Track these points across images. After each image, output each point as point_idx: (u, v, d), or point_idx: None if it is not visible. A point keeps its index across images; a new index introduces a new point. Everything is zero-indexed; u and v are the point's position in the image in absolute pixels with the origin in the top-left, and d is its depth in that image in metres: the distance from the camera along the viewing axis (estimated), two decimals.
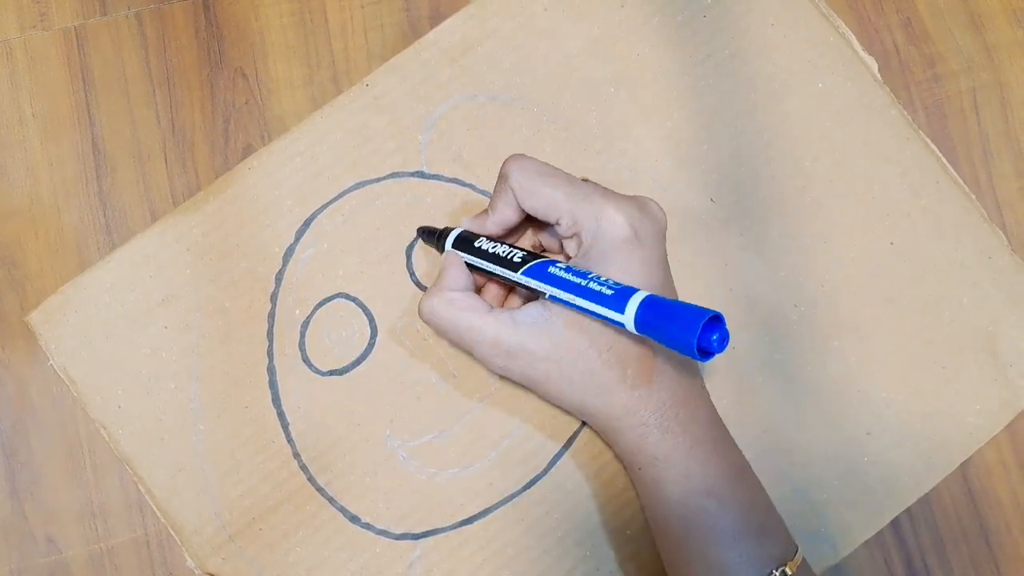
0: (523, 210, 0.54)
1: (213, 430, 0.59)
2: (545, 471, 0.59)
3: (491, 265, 0.54)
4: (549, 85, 0.63)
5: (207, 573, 0.58)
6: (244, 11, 0.65)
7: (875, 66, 0.63)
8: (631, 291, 0.48)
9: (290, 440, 0.59)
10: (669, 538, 0.53)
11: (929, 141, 0.62)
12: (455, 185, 0.62)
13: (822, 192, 0.62)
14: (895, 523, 0.60)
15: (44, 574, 0.59)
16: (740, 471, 0.54)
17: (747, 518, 0.52)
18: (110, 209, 0.62)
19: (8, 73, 0.64)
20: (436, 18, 0.64)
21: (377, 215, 0.61)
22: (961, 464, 0.60)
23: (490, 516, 0.59)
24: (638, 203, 0.53)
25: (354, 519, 0.59)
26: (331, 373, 0.60)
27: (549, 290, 0.51)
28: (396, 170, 0.62)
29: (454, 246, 0.56)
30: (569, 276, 0.51)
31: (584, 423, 0.59)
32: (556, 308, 0.52)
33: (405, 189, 0.62)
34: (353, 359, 0.60)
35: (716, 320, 0.46)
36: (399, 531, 0.58)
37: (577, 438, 0.60)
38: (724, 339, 0.47)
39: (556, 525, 0.59)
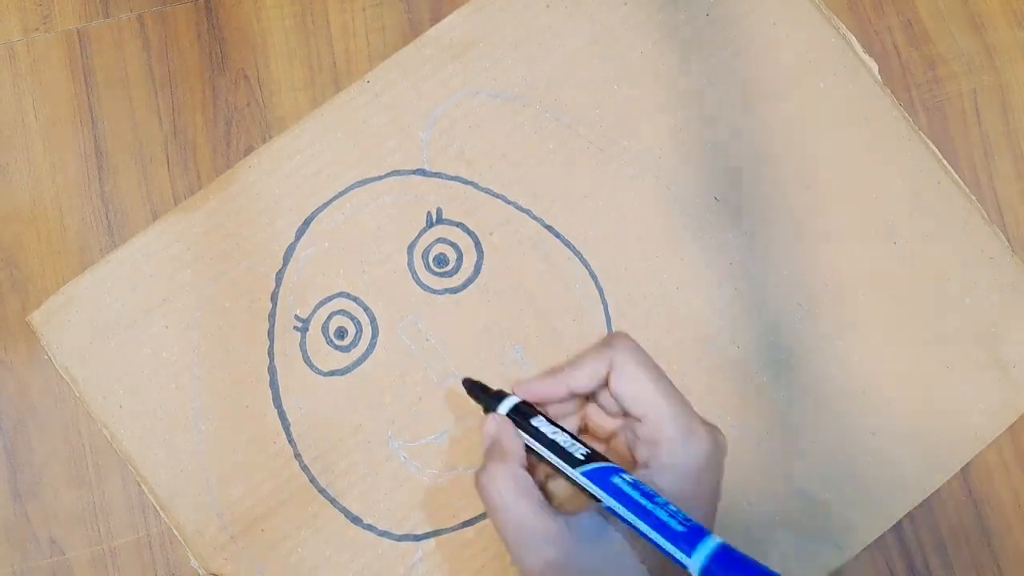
0: (603, 387, 0.51)
1: (214, 430, 0.59)
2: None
3: (544, 450, 0.50)
4: (551, 82, 0.63)
5: (212, 574, 0.58)
6: (246, 13, 0.65)
7: (875, 67, 0.63)
8: (702, 533, 0.45)
9: (291, 441, 0.59)
10: None
11: (930, 142, 0.62)
12: (457, 183, 0.62)
13: (824, 192, 0.62)
14: (896, 524, 0.59)
15: (47, 575, 0.59)
16: None
17: None
18: (112, 211, 0.63)
19: (11, 75, 0.64)
20: (437, 20, 0.64)
21: (378, 213, 0.61)
22: (961, 466, 0.60)
23: None
24: (719, 434, 0.50)
25: (356, 520, 0.59)
26: (332, 373, 0.60)
27: (607, 500, 0.47)
28: (397, 168, 0.62)
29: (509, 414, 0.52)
30: (636, 495, 0.46)
31: None
32: (611, 522, 0.48)
33: (406, 187, 0.62)
34: (355, 359, 0.60)
35: None
36: (401, 532, 0.58)
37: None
38: None
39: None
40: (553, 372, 0.52)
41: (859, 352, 0.61)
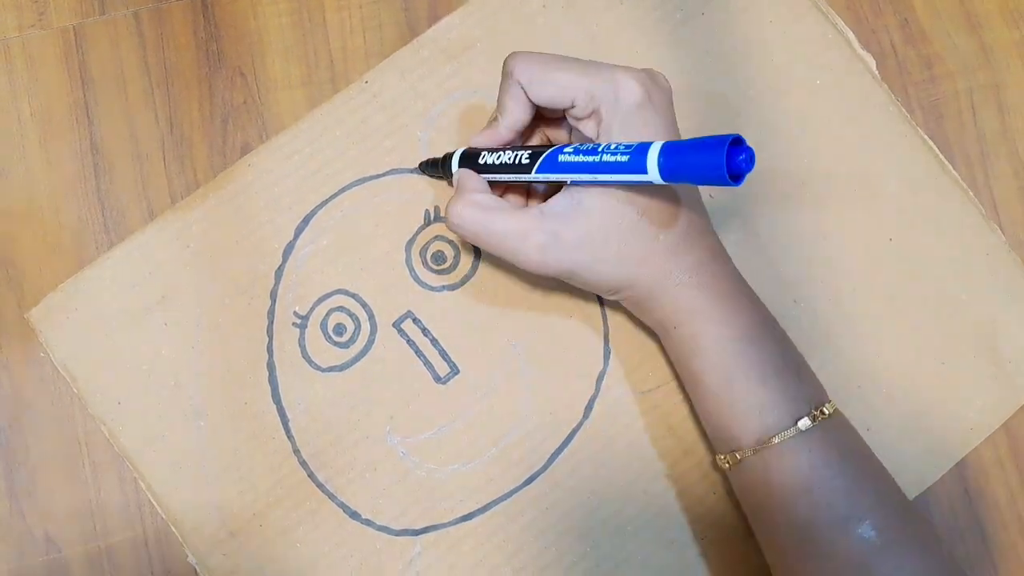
0: (533, 105, 0.54)
1: (213, 426, 0.59)
2: (545, 467, 0.59)
3: (503, 175, 0.54)
4: None
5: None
6: (243, 11, 0.65)
7: (873, 63, 0.63)
8: (645, 146, 0.48)
9: (290, 436, 0.59)
10: (708, 388, 0.54)
11: (927, 139, 0.63)
12: None
13: (821, 188, 0.62)
14: None
15: (43, 573, 0.59)
16: (770, 319, 0.55)
17: (784, 358, 0.54)
18: (108, 208, 0.62)
19: (6, 72, 0.64)
20: (434, 18, 0.64)
21: (376, 212, 0.62)
22: (958, 463, 0.60)
23: (490, 512, 0.59)
24: (647, 72, 0.53)
25: (354, 515, 0.58)
26: (331, 369, 0.60)
27: (567, 177, 0.51)
28: (395, 167, 0.62)
29: (460, 167, 0.56)
30: (581, 158, 0.50)
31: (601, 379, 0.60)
32: (581, 192, 0.52)
33: (404, 186, 0.62)
34: (353, 355, 0.60)
35: (738, 143, 0.45)
36: (399, 527, 0.58)
37: (577, 435, 0.60)
38: (751, 158, 0.46)
39: (556, 521, 0.59)
40: (491, 124, 0.56)
41: (854, 349, 0.61)
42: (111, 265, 0.61)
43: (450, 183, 0.57)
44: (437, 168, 0.59)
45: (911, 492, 0.59)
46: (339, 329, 0.60)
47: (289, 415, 0.59)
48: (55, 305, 0.60)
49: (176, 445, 0.59)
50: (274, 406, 0.60)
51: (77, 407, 0.60)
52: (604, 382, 0.60)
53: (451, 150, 0.58)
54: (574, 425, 0.60)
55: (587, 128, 0.53)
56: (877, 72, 0.63)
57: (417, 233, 0.61)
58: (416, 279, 0.61)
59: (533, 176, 0.52)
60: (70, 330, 0.60)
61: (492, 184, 0.55)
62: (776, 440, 0.51)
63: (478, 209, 0.53)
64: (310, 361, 0.60)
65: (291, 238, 0.61)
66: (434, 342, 0.60)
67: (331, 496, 0.59)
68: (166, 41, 0.64)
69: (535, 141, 0.58)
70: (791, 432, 0.51)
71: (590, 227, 0.51)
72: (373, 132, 0.62)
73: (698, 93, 0.63)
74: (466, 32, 0.64)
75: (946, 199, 0.62)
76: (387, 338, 0.60)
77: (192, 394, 0.59)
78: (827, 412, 0.52)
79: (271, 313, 0.60)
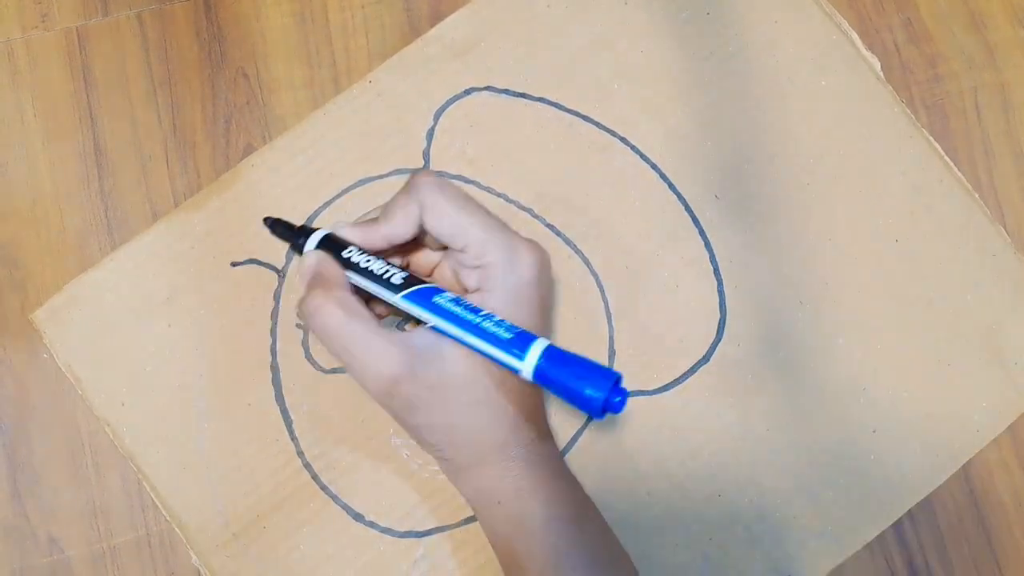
0: (421, 229, 0.52)
1: (217, 428, 0.59)
2: None
3: (364, 281, 0.51)
4: (553, 82, 0.63)
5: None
6: (245, 11, 0.65)
7: (877, 64, 0.63)
8: (531, 338, 0.47)
9: (293, 438, 0.59)
10: (530, 571, 0.51)
11: (932, 139, 0.62)
12: (459, 182, 0.62)
13: (825, 190, 0.62)
14: (896, 522, 0.59)
15: (46, 573, 0.59)
16: (591, 505, 0.54)
17: (605, 547, 0.53)
18: (111, 209, 0.62)
19: (10, 74, 0.64)
20: (436, 18, 0.64)
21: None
22: (963, 465, 0.60)
23: None
24: (541, 248, 0.52)
25: (358, 517, 0.58)
26: (334, 371, 0.60)
27: (434, 320, 0.49)
28: (399, 167, 0.62)
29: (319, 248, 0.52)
30: (460, 310, 0.49)
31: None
32: (444, 339, 0.50)
33: None
34: None
35: (618, 380, 0.46)
36: (403, 529, 0.58)
37: (580, 437, 0.60)
38: (624, 400, 0.46)
39: None
40: (369, 222, 0.52)
41: (860, 350, 0.61)
42: (114, 266, 0.61)
43: (297, 253, 0.54)
44: (287, 232, 0.54)
45: (916, 495, 0.59)
46: None
47: (293, 417, 0.59)
48: (59, 306, 0.60)
49: (180, 446, 0.59)
50: (278, 408, 0.60)
51: (81, 408, 0.60)
52: None
53: (306, 224, 0.54)
54: (579, 426, 0.60)
55: (468, 277, 0.52)
56: (882, 73, 0.63)
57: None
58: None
59: (396, 299, 0.50)
60: (74, 331, 0.60)
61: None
62: None
63: (341, 311, 0.49)
64: (313, 362, 0.60)
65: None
66: None
67: (335, 498, 0.59)
68: (169, 42, 0.64)
69: (394, 256, 0.55)
70: None
71: (444, 377, 0.49)
72: (376, 132, 0.62)
73: (702, 94, 0.63)
74: (471, 31, 0.64)
75: (951, 201, 0.62)
76: None
77: (196, 395, 0.59)
78: None
79: (275, 314, 0.60)
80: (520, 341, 0.47)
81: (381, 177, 0.62)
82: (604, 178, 0.62)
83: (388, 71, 0.63)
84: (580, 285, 0.61)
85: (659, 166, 0.62)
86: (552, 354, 0.47)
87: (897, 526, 0.60)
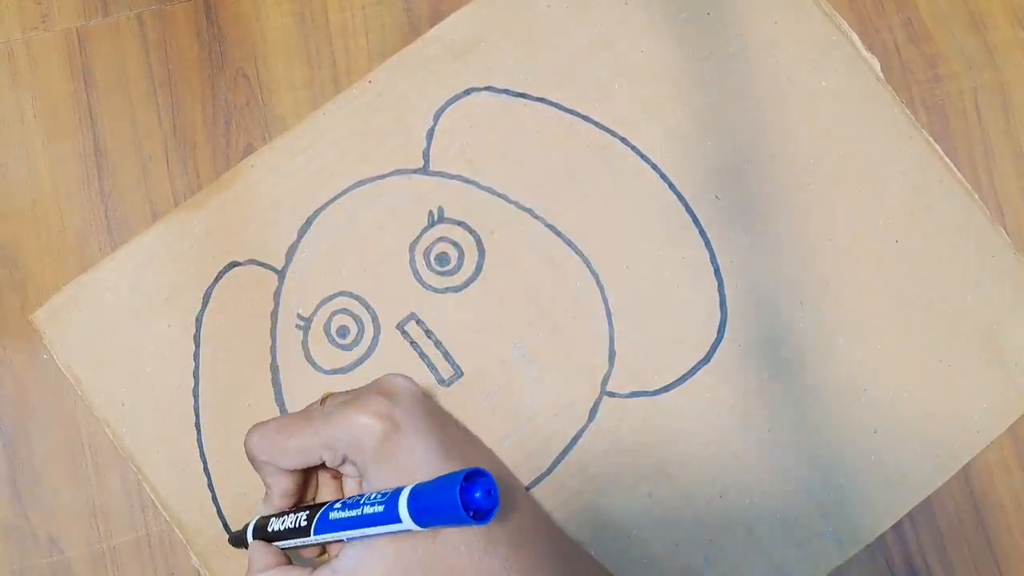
0: (292, 472, 0.52)
1: (216, 429, 0.59)
2: (550, 470, 0.59)
3: (290, 541, 0.51)
4: (553, 82, 0.63)
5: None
6: (245, 12, 0.65)
7: (877, 65, 0.63)
8: (396, 493, 0.46)
9: None
10: None
11: (932, 140, 0.62)
12: (459, 182, 0.62)
13: (826, 190, 0.62)
14: (896, 524, 0.59)
15: (46, 574, 0.59)
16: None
17: None
18: (111, 210, 0.62)
19: (10, 74, 0.64)
20: (437, 18, 0.64)
21: (380, 212, 0.61)
22: (963, 466, 0.60)
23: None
24: (377, 389, 0.51)
25: None
26: (334, 372, 0.60)
27: (342, 535, 0.49)
28: (399, 167, 0.62)
29: (256, 538, 0.53)
30: (346, 513, 0.48)
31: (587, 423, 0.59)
32: (370, 543, 0.48)
33: (408, 186, 0.62)
34: (356, 358, 0.60)
35: (474, 476, 0.44)
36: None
37: (582, 437, 0.60)
38: (491, 492, 0.44)
39: (560, 524, 0.58)
40: (266, 494, 0.53)
41: (860, 351, 0.61)
42: (114, 267, 0.61)
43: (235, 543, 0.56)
44: (240, 542, 0.55)
45: (916, 496, 0.59)
46: (342, 331, 0.60)
47: None
48: (59, 307, 0.60)
49: (180, 447, 0.59)
50: (277, 409, 0.59)
51: (81, 409, 0.60)
52: (609, 384, 0.60)
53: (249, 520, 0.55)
54: (579, 427, 0.60)
55: (350, 475, 0.52)
56: (881, 73, 0.63)
57: (421, 234, 0.61)
58: (420, 281, 0.61)
59: (313, 540, 0.50)
60: (74, 332, 0.60)
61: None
62: None
63: None
64: (313, 363, 0.60)
65: (294, 239, 0.61)
66: (438, 344, 0.60)
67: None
68: (169, 43, 0.64)
69: (326, 489, 0.55)
70: None
71: (388, 572, 0.48)
72: (376, 132, 0.62)
73: (702, 94, 0.63)
74: (471, 31, 0.64)
75: (951, 201, 0.62)
76: (391, 340, 0.60)
77: (195, 396, 0.60)
78: None
79: (274, 315, 0.60)
80: (390, 505, 0.46)
81: (381, 177, 0.62)
82: (603, 178, 0.62)
83: (388, 71, 0.63)
84: (580, 285, 0.61)
85: (659, 166, 0.62)
86: (415, 495, 0.45)
87: (897, 526, 0.60)
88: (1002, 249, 0.61)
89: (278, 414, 0.59)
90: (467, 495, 0.44)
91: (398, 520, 0.45)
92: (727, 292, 0.61)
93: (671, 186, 0.62)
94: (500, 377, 0.60)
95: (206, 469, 0.59)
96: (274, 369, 0.60)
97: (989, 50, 0.65)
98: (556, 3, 0.64)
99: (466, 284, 0.61)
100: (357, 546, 0.48)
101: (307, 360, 0.60)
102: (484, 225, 0.61)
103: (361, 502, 0.47)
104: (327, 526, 0.49)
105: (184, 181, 0.63)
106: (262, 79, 0.64)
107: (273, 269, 0.61)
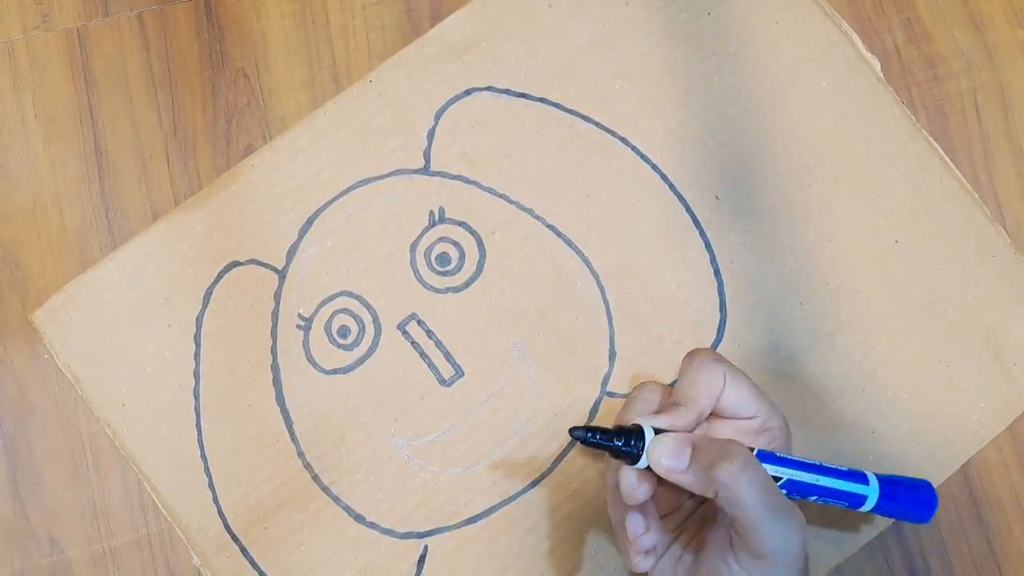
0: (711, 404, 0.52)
1: (217, 428, 0.59)
2: (550, 470, 0.59)
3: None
4: (554, 82, 0.63)
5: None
6: (246, 12, 0.65)
7: (878, 65, 0.63)
8: (861, 471, 0.53)
9: (294, 439, 0.59)
10: None
11: (932, 140, 0.62)
12: (459, 182, 0.62)
13: (826, 190, 0.62)
14: (896, 522, 0.59)
15: (46, 574, 0.59)
16: None
17: None
18: (112, 210, 0.62)
19: (11, 74, 0.64)
20: (437, 18, 0.64)
21: (381, 212, 0.61)
22: (963, 465, 0.60)
23: (495, 515, 0.59)
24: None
25: (359, 518, 0.58)
26: (335, 371, 0.60)
27: (789, 473, 0.51)
28: (400, 167, 0.62)
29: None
30: (802, 459, 0.52)
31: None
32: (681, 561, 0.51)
33: (409, 186, 0.62)
34: (357, 357, 0.60)
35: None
36: (404, 530, 0.58)
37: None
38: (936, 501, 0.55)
39: (561, 524, 0.59)
40: (676, 408, 0.52)
41: (859, 351, 0.61)
42: (115, 266, 0.61)
43: (626, 461, 0.50)
44: (604, 439, 0.50)
45: None
46: (343, 331, 0.60)
47: (293, 417, 0.59)
48: (59, 306, 0.60)
49: (180, 447, 0.59)
50: (278, 408, 0.60)
51: (81, 409, 0.60)
52: (609, 384, 0.60)
53: (625, 427, 0.50)
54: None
55: (758, 440, 0.52)
56: (881, 74, 0.63)
57: (422, 234, 0.61)
58: (420, 281, 0.61)
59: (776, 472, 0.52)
60: (74, 331, 0.60)
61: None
62: None
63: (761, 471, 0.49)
64: (314, 363, 0.60)
65: (295, 239, 0.61)
66: (439, 344, 0.60)
67: (336, 499, 0.59)
68: (169, 43, 0.64)
69: None
70: None
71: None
72: (377, 132, 0.62)
73: (702, 94, 0.63)
74: (471, 31, 0.64)
75: (950, 201, 0.62)
76: (391, 340, 0.60)
77: (196, 396, 0.60)
78: None
79: (275, 315, 0.60)
80: (855, 473, 0.53)
81: (381, 177, 0.62)
82: (604, 178, 0.62)
83: (388, 71, 0.63)
84: (580, 285, 0.61)
85: (659, 166, 0.62)
86: (887, 480, 0.54)
87: (897, 526, 0.60)
88: (1002, 249, 0.62)
89: (279, 414, 0.59)
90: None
91: (863, 483, 0.53)
92: (727, 292, 0.61)
93: (671, 186, 0.62)
94: (501, 377, 0.60)
95: (207, 469, 0.59)
96: (275, 369, 0.60)
97: (988, 50, 0.65)
98: (557, 3, 0.64)
99: (467, 284, 0.61)
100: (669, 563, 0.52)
101: (308, 360, 0.60)
102: (485, 225, 0.61)
103: (817, 464, 0.53)
104: (777, 460, 0.52)
105: (184, 181, 0.63)
106: (262, 79, 0.64)
107: (274, 269, 0.61)
